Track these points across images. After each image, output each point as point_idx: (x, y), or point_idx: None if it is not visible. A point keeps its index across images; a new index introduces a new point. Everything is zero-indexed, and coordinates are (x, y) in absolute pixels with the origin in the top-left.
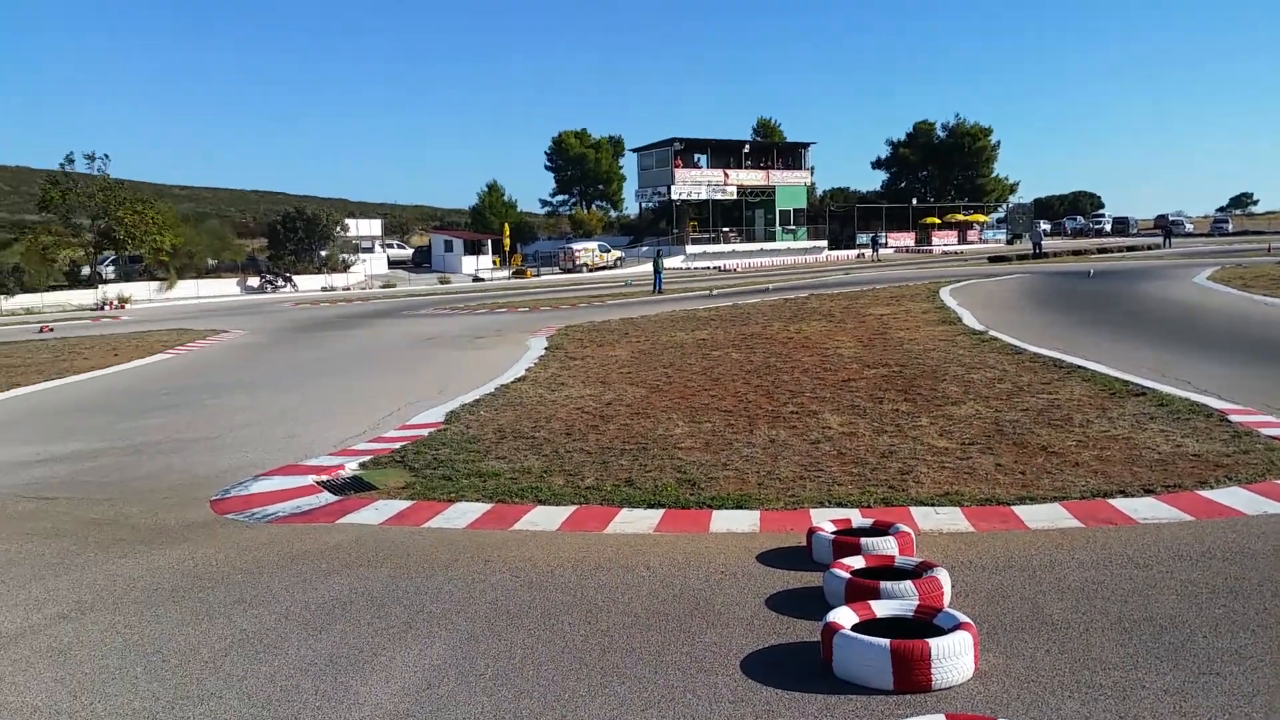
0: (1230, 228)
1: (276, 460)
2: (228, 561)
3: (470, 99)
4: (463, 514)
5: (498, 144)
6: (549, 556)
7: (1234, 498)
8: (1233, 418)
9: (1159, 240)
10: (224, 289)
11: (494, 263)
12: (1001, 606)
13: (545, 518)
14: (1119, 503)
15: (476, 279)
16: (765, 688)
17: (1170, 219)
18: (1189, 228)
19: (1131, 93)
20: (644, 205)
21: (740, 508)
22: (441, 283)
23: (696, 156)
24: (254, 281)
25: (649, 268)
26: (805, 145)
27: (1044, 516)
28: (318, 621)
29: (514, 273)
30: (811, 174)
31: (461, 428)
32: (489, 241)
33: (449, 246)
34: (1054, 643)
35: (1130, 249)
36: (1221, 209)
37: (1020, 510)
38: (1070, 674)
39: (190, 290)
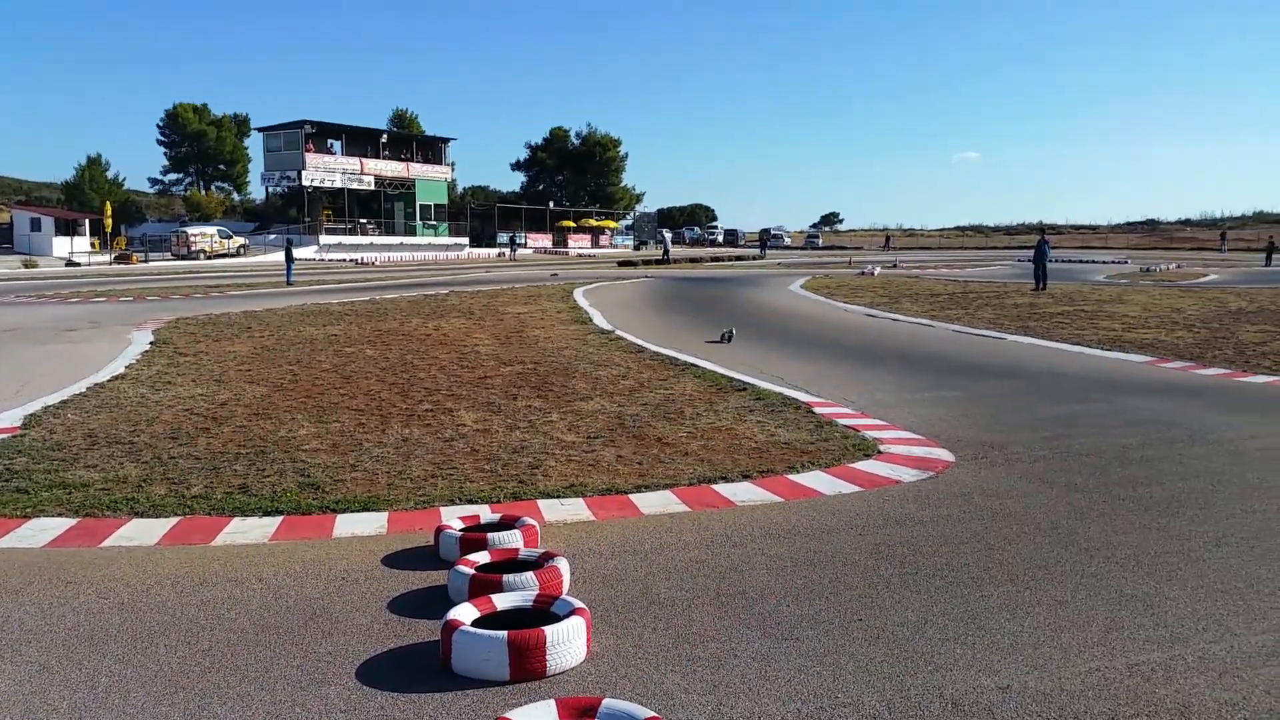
0: (820, 242)
1: None
2: None
3: (67, 59)
4: (41, 531)
5: (101, 113)
6: (145, 574)
7: (816, 480)
8: (816, 409)
9: (757, 250)
10: None
11: (93, 245)
12: (615, 589)
13: (142, 531)
14: (721, 487)
15: (71, 263)
16: (381, 692)
17: (771, 232)
18: (787, 241)
19: (743, 114)
20: (271, 190)
21: (367, 510)
22: (26, 266)
23: (330, 142)
24: None
25: (281, 256)
26: (445, 140)
27: (657, 502)
28: None
29: (117, 257)
30: (452, 170)
31: (43, 433)
32: (86, 221)
33: (36, 225)
34: (660, 620)
35: (739, 258)
36: (814, 225)
37: (636, 498)
38: (673, 648)
39: None
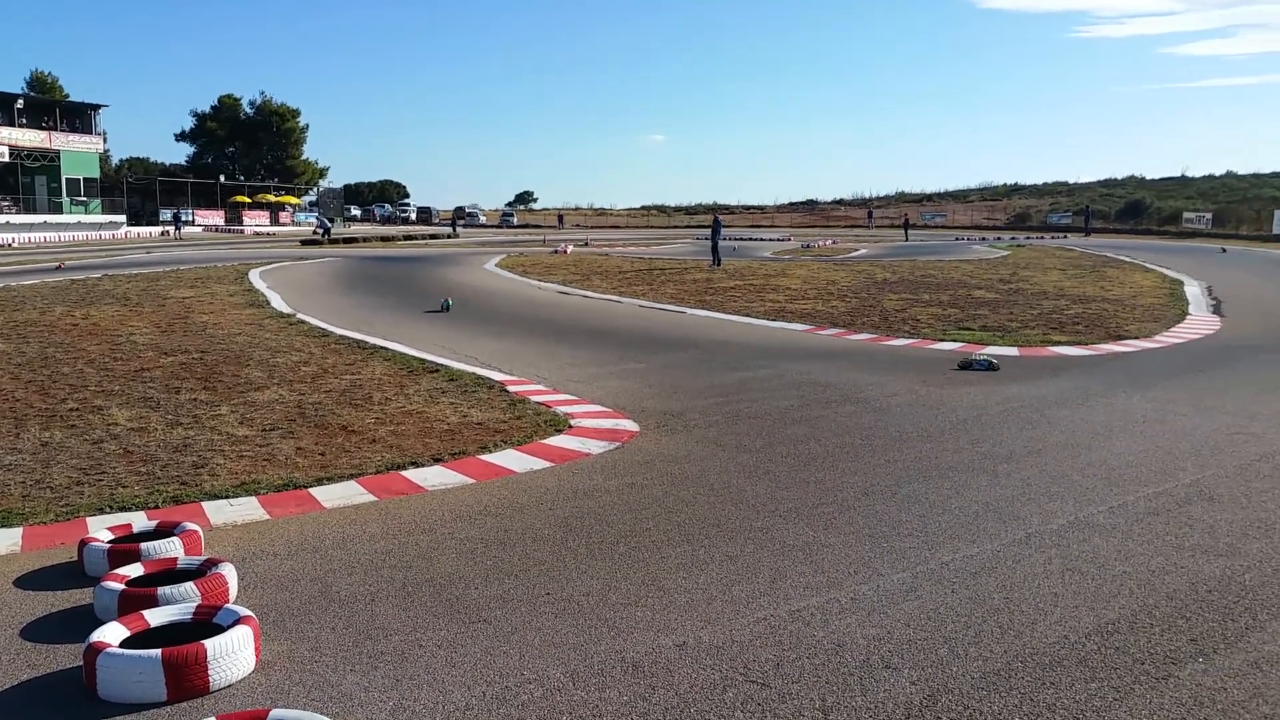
0: (515, 220)
1: None
2: None
3: None
4: None
5: None
6: None
7: (508, 459)
8: (510, 387)
9: (450, 229)
10: None
11: None
12: (291, 592)
13: None
14: (411, 473)
15: None
16: None
17: (466, 210)
18: (482, 219)
19: (436, 91)
20: None
21: None
22: None
23: None
24: None
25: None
26: (95, 107)
27: (340, 495)
28: None
29: None
30: (104, 140)
31: None
32: None
33: None
34: (340, 619)
35: (433, 236)
36: (509, 204)
37: (317, 491)
38: (353, 647)
39: None
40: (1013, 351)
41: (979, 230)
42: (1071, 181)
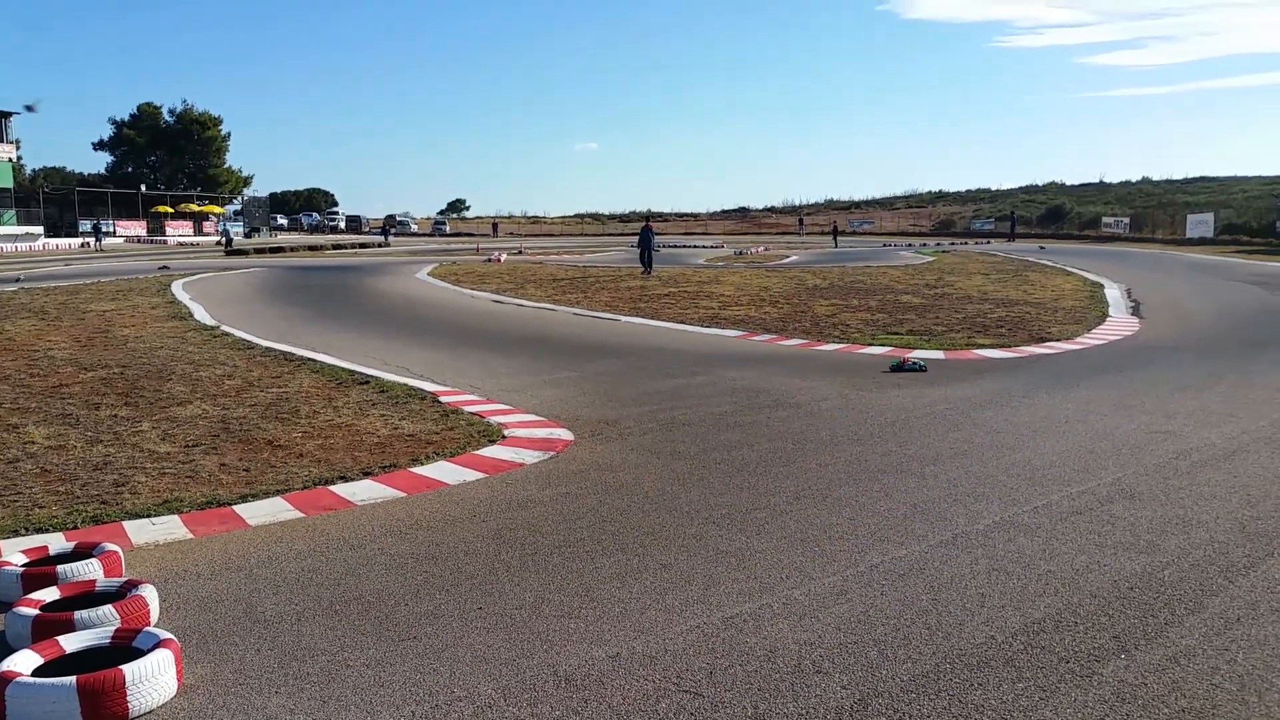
0: (448, 229)
1: None
2: None
3: None
4: None
5: None
6: None
7: (440, 470)
8: (443, 398)
9: (380, 238)
10: None
11: None
12: (215, 613)
13: None
14: (339, 488)
15: None
16: None
17: (397, 219)
18: (414, 228)
19: (364, 97)
20: None
21: None
22: None
23: None
24: None
25: None
26: (7, 114)
27: (265, 511)
28: None
29: None
30: (17, 148)
31: None
32: None
33: None
34: (265, 640)
35: (363, 245)
36: (441, 212)
37: (242, 509)
38: (279, 669)
39: None
40: (938, 355)
41: (905, 236)
42: (994, 188)
